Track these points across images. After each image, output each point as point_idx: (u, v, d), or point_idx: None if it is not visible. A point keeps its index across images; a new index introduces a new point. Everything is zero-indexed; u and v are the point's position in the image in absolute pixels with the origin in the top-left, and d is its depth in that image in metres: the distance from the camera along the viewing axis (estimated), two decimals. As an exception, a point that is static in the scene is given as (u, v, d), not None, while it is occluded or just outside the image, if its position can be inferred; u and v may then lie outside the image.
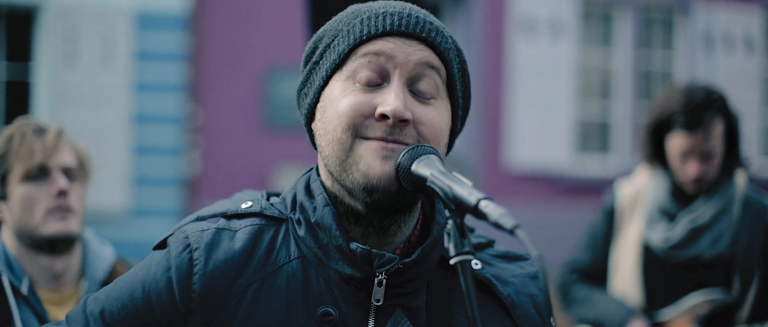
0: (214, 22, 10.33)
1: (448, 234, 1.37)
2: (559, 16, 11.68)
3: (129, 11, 9.66)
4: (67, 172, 2.48)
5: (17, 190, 2.42)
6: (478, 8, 11.53)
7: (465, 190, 1.37)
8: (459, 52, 1.61)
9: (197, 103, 10.26)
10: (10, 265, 2.43)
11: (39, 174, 2.43)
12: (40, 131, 2.48)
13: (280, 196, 1.66)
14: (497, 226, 1.31)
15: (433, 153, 1.47)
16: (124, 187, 9.67)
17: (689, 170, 3.36)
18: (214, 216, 1.62)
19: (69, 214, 2.44)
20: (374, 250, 1.50)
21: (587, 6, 12.03)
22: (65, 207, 2.43)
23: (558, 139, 11.74)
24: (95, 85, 9.54)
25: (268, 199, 1.65)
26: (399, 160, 1.46)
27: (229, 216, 1.61)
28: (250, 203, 1.62)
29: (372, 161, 1.48)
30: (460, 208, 1.37)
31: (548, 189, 11.70)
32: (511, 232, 1.29)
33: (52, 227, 2.41)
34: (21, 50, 9.61)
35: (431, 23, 1.56)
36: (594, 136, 12.32)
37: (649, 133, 3.49)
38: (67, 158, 2.48)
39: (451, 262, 1.36)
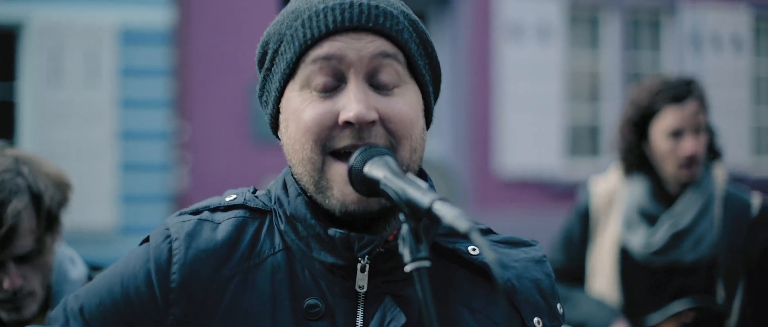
0: (198, 37, 10.27)
1: (403, 239, 1.29)
2: (546, 20, 11.67)
3: (113, 27, 9.60)
4: (24, 258, 2.19)
5: None
6: (464, 13, 11.50)
7: (418, 192, 1.29)
8: (415, 25, 1.51)
9: (184, 118, 10.20)
10: None
11: None
12: None
13: (266, 190, 1.61)
14: (452, 228, 1.24)
15: (386, 153, 1.39)
16: (111, 204, 9.60)
17: (686, 147, 3.17)
18: (198, 210, 1.56)
19: (24, 303, 2.22)
20: (353, 233, 1.43)
21: (574, 9, 12.02)
22: (20, 300, 2.20)
23: (548, 143, 11.71)
24: (81, 103, 9.47)
25: (253, 193, 1.60)
26: (351, 162, 1.40)
27: (212, 209, 1.56)
28: (234, 196, 1.58)
29: (345, 188, 1.42)
30: (414, 211, 1.29)
31: (539, 194, 11.66)
32: (466, 234, 1.21)
33: (6, 317, 2.22)
34: (5, 70, 9.54)
35: (377, 7, 1.46)
36: (584, 139, 12.30)
37: (629, 128, 3.31)
38: (22, 243, 2.16)
39: (406, 269, 1.28)
